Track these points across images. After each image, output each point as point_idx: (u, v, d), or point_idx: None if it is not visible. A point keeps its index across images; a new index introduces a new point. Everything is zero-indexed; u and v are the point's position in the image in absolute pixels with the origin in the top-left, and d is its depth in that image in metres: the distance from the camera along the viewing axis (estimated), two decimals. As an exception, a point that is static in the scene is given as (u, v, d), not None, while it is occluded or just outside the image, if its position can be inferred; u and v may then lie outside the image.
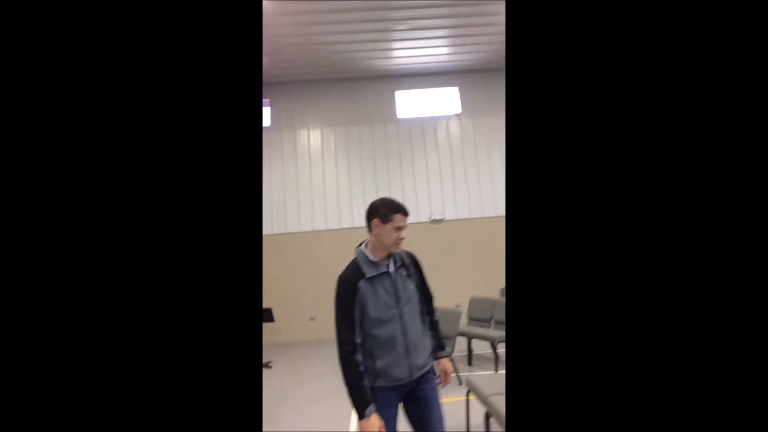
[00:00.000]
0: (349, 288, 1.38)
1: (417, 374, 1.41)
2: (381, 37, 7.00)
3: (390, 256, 1.45)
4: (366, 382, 1.35)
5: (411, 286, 1.46)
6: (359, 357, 1.36)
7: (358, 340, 1.38)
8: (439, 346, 1.55)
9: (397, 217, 1.39)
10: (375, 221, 1.40)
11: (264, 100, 8.19)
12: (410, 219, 1.46)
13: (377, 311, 1.37)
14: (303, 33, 6.61)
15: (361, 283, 1.38)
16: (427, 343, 1.47)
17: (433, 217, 7.72)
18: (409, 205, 1.50)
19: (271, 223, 7.78)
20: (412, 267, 1.51)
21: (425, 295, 1.53)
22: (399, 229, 1.40)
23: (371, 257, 1.42)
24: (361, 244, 1.48)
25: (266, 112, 8.22)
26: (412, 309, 1.43)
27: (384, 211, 1.40)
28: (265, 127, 8.12)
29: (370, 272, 1.40)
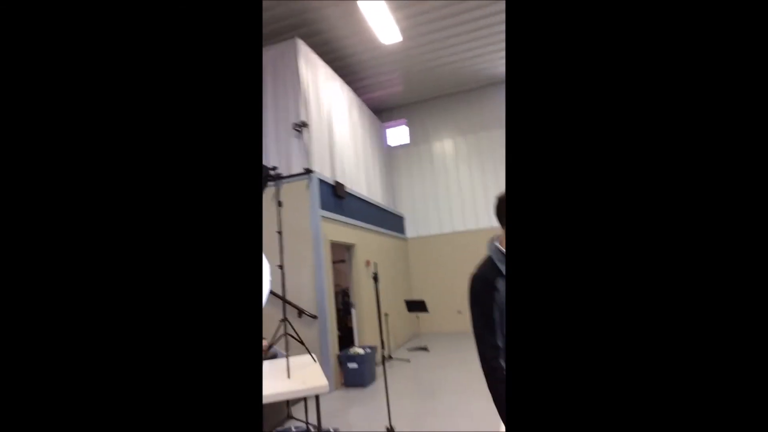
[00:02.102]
0: (485, 287, 1.23)
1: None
2: (498, 45, 7.34)
3: None
4: None
5: None
6: (503, 362, 1.21)
7: (501, 344, 1.22)
8: None
9: None
10: None
11: (401, 120, 9.40)
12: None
13: None
14: (429, 58, 7.47)
15: (499, 282, 1.22)
16: None
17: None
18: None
19: (416, 227, 8.94)
20: None
21: None
22: None
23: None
24: (492, 240, 1.32)
25: (405, 131, 9.40)
26: None
27: None
28: (405, 144, 9.31)
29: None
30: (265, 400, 2.17)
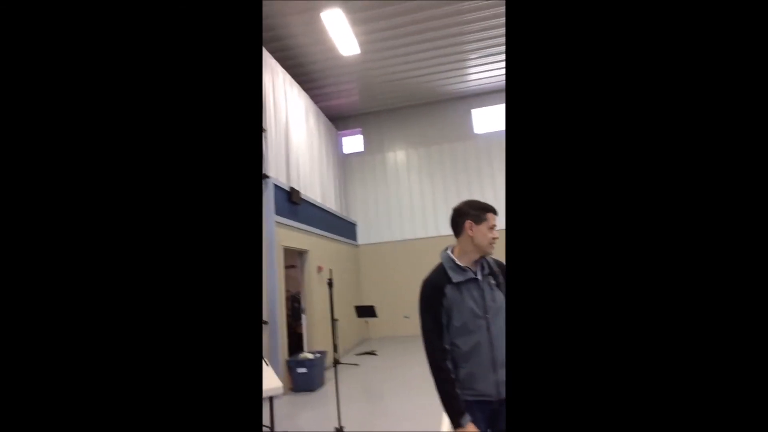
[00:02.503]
0: (435, 293, 1.33)
1: (505, 393, 1.29)
2: (456, 64, 7.82)
3: (478, 262, 1.38)
4: (458, 390, 1.28)
5: (500, 296, 1.35)
6: (450, 364, 1.31)
7: (448, 347, 1.32)
8: None
9: (490, 215, 1.35)
10: (467, 223, 1.35)
11: (356, 130, 9.60)
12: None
13: (462, 319, 1.30)
14: (387, 71, 7.76)
15: (448, 289, 1.33)
16: None
17: (513, 224, 8.29)
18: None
19: (368, 234, 9.12)
20: (502, 276, 1.40)
21: None
22: (492, 228, 1.35)
23: (459, 262, 1.36)
24: (446, 249, 1.42)
25: (360, 140, 9.59)
26: (500, 321, 1.32)
27: (475, 212, 1.36)
28: (360, 152, 9.50)
29: (457, 277, 1.33)
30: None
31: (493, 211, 1.38)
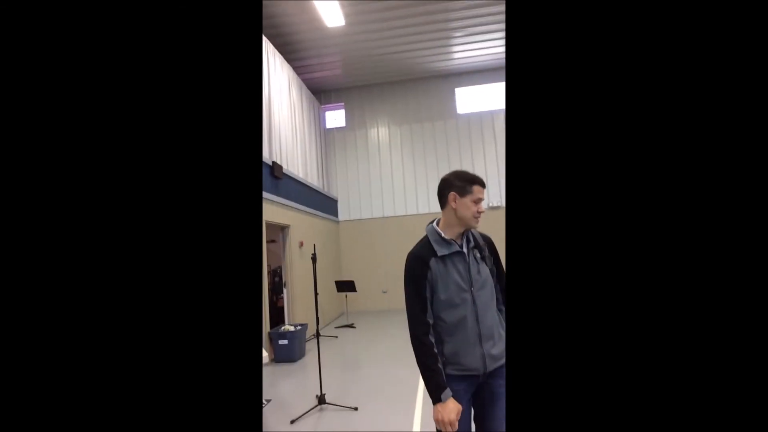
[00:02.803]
0: (419, 266, 1.31)
1: (492, 366, 1.29)
2: (441, 42, 7.75)
3: (463, 235, 1.35)
4: (440, 364, 1.26)
5: (485, 270, 1.33)
6: (432, 338, 1.29)
7: (431, 321, 1.30)
8: None
9: (476, 188, 1.31)
10: (451, 195, 1.31)
11: (339, 104, 9.46)
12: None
13: (448, 293, 1.29)
14: (371, 45, 7.63)
15: (432, 262, 1.30)
16: (503, 334, 1.34)
17: (491, 204, 8.51)
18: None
19: (348, 211, 9.18)
20: (487, 250, 1.38)
21: (501, 283, 1.39)
22: (478, 201, 1.31)
23: (444, 234, 1.33)
24: (432, 222, 1.39)
25: (341, 114, 9.48)
26: (486, 295, 1.31)
27: (461, 183, 1.31)
28: (341, 127, 9.41)
29: (441, 250, 1.31)
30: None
31: (481, 183, 1.33)
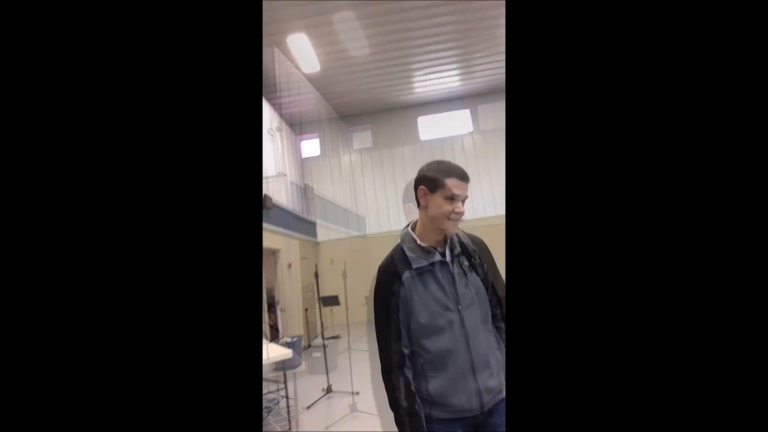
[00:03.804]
0: (389, 282, 1.06)
1: (491, 402, 1.04)
2: (403, 77, 8.86)
3: (446, 240, 1.09)
4: (418, 407, 1.01)
5: (476, 280, 1.09)
6: (409, 373, 1.03)
7: (407, 350, 1.04)
8: None
9: (450, 182, 1.03)
10: (421, 190, 1.07)
11: (313, 134, 10.33)
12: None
13: (428, 315, 1.03)
14: (343, 84, 8.61)
15: (406, 276, 1.05)
16: (500, 358, 1.08)
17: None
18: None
19: (327, 231, 9.97)
20: (478, 256, 1.13)
21: (496, 295, 1.12)
22: (452, 199, 1.03)
23: (420, 241, 1.07)
24: (407, 225, 1.15)
25: (317, 143, 10.35)
26: (477, 313, 1.06)
27: (432, 175, 1.05)
28: (316, 156, 10.26)
29: (417, 261, 1.06)
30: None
31: (458, 175, 1.05)
